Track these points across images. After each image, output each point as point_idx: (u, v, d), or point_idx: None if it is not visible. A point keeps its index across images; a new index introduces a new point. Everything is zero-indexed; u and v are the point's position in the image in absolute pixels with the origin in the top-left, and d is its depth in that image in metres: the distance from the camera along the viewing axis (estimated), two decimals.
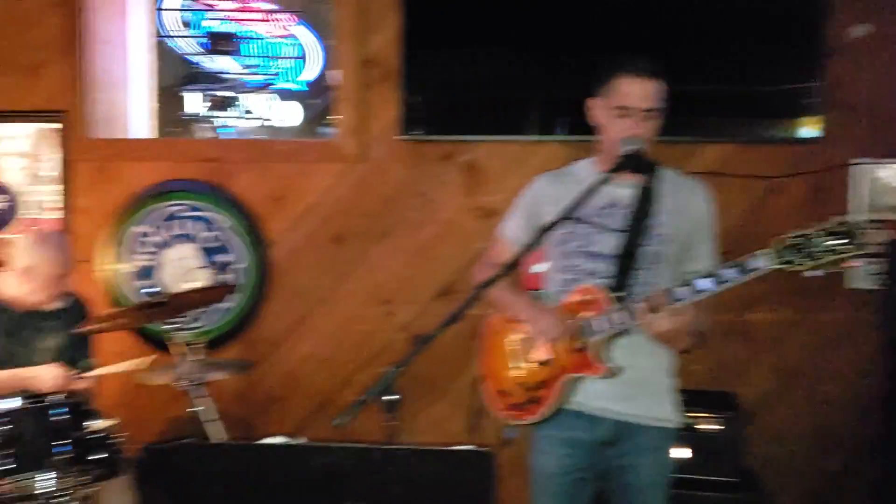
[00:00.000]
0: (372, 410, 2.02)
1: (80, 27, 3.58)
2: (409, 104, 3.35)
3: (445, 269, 3.49)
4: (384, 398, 2.01)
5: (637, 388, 2.20)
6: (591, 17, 3.30)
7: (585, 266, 2.23)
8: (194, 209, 3.60)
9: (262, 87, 3.85)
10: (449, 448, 1.60)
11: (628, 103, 2.15)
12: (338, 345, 3.56)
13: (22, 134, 3.69)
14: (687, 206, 2.26)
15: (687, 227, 2.25)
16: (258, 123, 3.88)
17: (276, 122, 3.86)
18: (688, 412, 2.38)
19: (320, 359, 3.57)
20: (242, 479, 1.68)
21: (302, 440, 1.90)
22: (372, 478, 1.69)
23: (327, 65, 3.78)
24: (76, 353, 3.01)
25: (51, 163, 3.67)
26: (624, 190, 2.21)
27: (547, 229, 2.08)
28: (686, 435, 2.62)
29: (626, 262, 2.17)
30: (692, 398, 2.46)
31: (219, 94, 3.87)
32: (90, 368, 3.05)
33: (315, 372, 3.58)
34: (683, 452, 2.82)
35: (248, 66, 3.85)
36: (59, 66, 3.60)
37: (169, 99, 3.95)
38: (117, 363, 2.96)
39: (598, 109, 2.25)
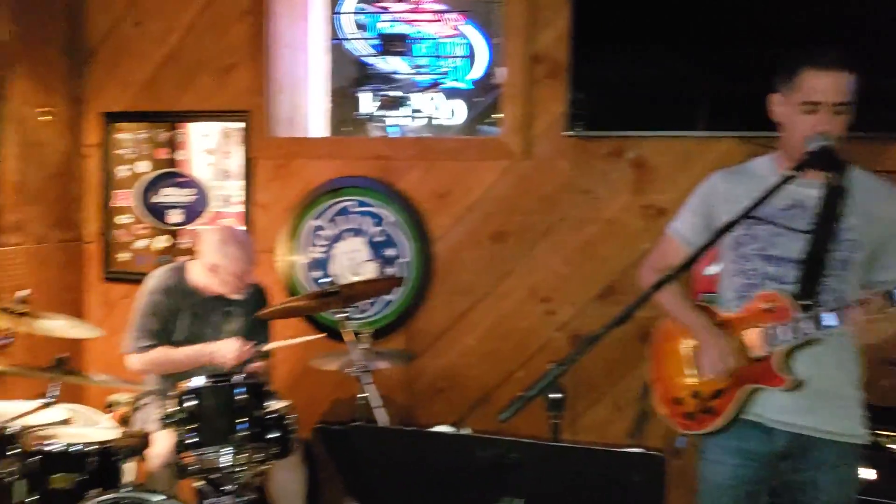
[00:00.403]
0: (534, 407, 2.03)
1: (267, 32, 3.82)
2: (576, 100, 3.31)
3: (608, 269, 3.43)
4: (549, 395, 2.01)
5: (820, 399, 2.06)
6: (768, 6, 3.13)
7: (765, 270, 2.11)
8: (364, 204, 3.75)
9: (430, 87, 3.95)
10: (620, 449, 1.56)
11: (817, 98, 2.02)
12: (498, 340, 3.59)
13: (211, 132, 4.00)
14: (880, 209, 2.09)
15: (879, 233, 2.08)
16: (425, 122, 3.99)
17: (441, 121, 3.95)
18: (875, 429, 2.21)
19: (480, 353, 3.62)
20: (411, 464, 1.73)
21: (467, 431, 1.92)
22: (537, 473, 1.68)
23: (492, 62, 3.82)
24: (256, 337, 3.23)
25: (235, 159, 3.96)
26: (810, 190, 2.08)
27: (725, 230, 1.98)
28: (872, 454, 2.42)
29: (814, 267, 2.04)
30: (881, 415, 2.28)
31: (389, 93, 4.01)
32: (268, 350, 3.28)
33: (475, 366, 3.62)
34: (868, 473, 2.61)
35: (417, 66, 3.97)
36: (246, 69, 3.86)
37: (342, 99, 4.14)
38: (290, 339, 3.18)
39: (781, 105, 2.12)
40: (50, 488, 2.64)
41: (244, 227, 3.83)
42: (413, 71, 3.97)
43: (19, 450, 2.65)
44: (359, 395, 2.89)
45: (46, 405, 2.54)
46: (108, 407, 3.82)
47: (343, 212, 3.77)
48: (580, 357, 2.11)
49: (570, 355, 2.02)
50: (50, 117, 3.91)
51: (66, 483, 2.65)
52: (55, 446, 2.67)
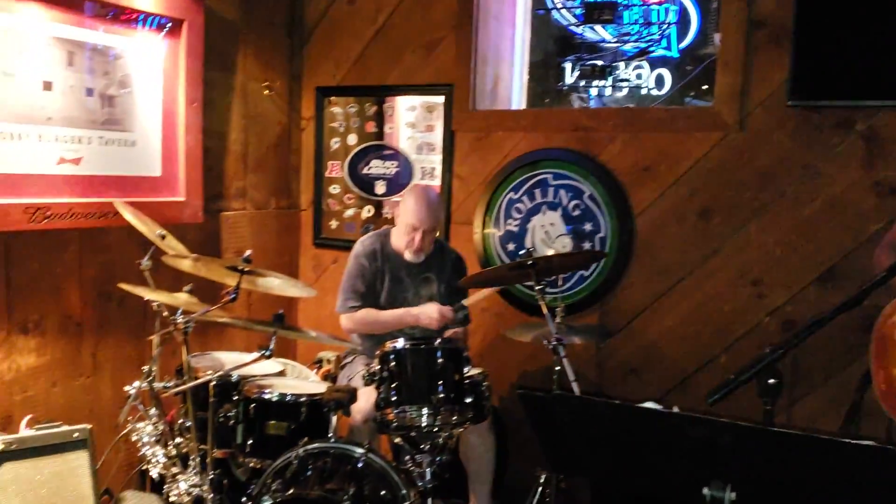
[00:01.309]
0: (738, 394, 1.90)
1: (475, 5, 3.85)
2: (800, 68, 3.04)
3: (829, 251, 3.14)
4: (763, 380, 1.87)
5: None
6: None
7: None
8: (562, 177, 3.70)
9: (636, 55, 3.80)
10: (852, 441, 1.42)
11: None
12: (699, 323, 3.42)
13: (415, 106, 4.12)
14: None
15: None
16: (628, 92, 3.85)
17: (646, 91, 3.79)
18: None
19: (681, 335, 3.46)
20: (615, 437, 1.68)
21: (674, 409, 1.84)
22: (750, 459, 1.57)
23: (703, 29, 3.61)
24: (453, 302, 3.30)
25: (437, 133, 4.04)
26: None
27: None
28: None
29: None
30: None
31: (591, 63, 3.91)
32: (465, 315, 3.34)
33: (674, 348, 3.48)
34: None
35: (622, 34, 3.83)
36: (451, 43, 3.92)
37: (542, 71, 4.10)
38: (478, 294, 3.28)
39: None
40: (266, 433, 2.86)
41: (432, 188, 3.90)
42: (618, 39, 3.84)
43: (240, 396, 2.89)
44: (555, 368, 2.86)
45: (264, 357, 2.74)
46: (315, 363, 4.09)
47: (540, 185, 3.75)
48: (801, 341, 1.96)
49: (791, 339, 1.88)
50: (270, 92, 4.20)
51: (279, 430, 2.86)
52: (272, 395, 2.89)
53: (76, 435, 2.96)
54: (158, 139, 3.58)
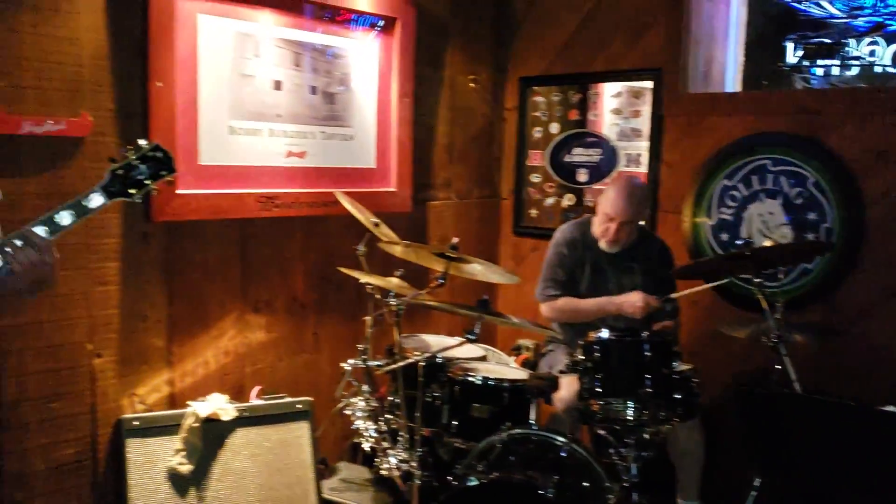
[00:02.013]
0: None
1: None
2: None
3: None
4: None
5: None
6: None
7: None
8: (782, 163, 3.45)
9: (869, 31, 3.46)
10: None
11: None
12: None
13: (620, 92, 4.03)
14: None
15: None
16: (860, 71, 3.51)
17: (882, 69, 3.44)
18: None
19: None
20: (849, 443, 1.54)
21: None
22: None
23: None
24: (658, 294, 3.19)
25: (644, 119, 3.92)
26: None
27: None
28: None
29: None
30: None
31: (817, 41, 3.61)
32: (674, 307, 3.23)
33: None
34: None
35: (853, 9, 3.50)
36: (661, 26, 3.79)
37: (760, 50, 3.84)
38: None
39: None
40: (469, 415, 2.94)
41: (639, 180, 3.78)
42: (849, 14, 3.51)
43: (446, 378, 2.99)
44: (774, 367, 2.68)
45: (469, 341, 2.81)
46: (514, 350, 4.14)
47: (758, 171, 3.52)
48: None
49: None
50: (475, 84, 4.29)
51: (482, 413, 2.92)
52: (476, 378, 2.96)
53: (299, 406, 3.21)
54: (373, 133, 3.78)
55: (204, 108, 3.13)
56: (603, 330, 2.81)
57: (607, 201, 3.23)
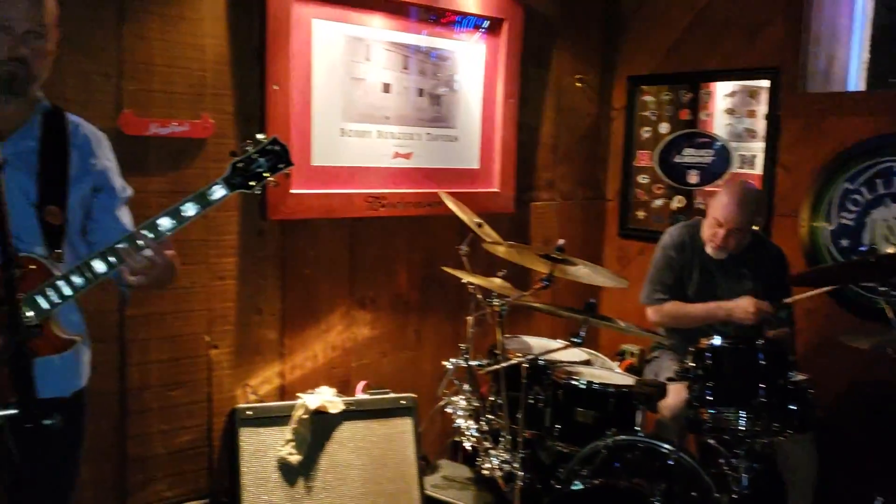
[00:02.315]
0: None
1: None
2: None
3: None
4: None
5: None
6: None
7: None
8: None
9: None
10: None
11: None
12: None
13: (733, 92, 3.89)
14: None
15: None
16: None
17: None
18: None
19: None
20: None
21: None
22: None
23: None
24: (772, 300, 3.07)
25: (758, 119, 3.78)
26: None
27: None
28: None
29: None
30: None
31: None
32: (788, 314, 3.10)
33: None
34: None
35: None
36: (778, 23, 3.65)
37: (888, 47, 3.64)
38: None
39: None
40: (573, 420, 2.91)
41: (753, 185, 3.64)
42: None
43: (549, 381, 2.97)
44: None
45: (574, 344, 2.78)
46: (618, 355, 4.07)
47: (883, 174, 3.33)
48: None
49: None
50: (582, 84, 4.24)
51: (586, 417, 2.89)
52: (580, 382, 2.93)
53: (403, 402, 3.26)
54: (478, 134, 3.80)
55: (317, 110, 3.22)
56: (715, 336, 2.73)
57: (718, 206, 3.13)
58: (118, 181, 2.05)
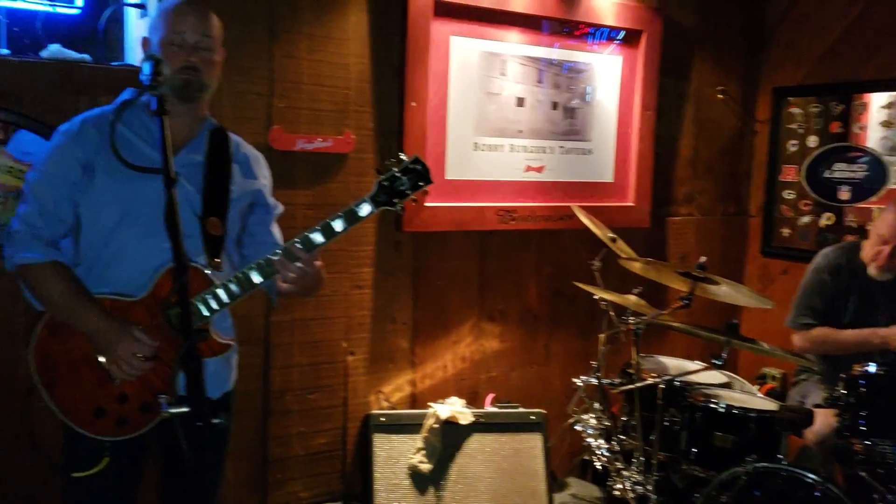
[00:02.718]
0: None
1: None
2: None
3: None
4: None
5: None
6: None
7: None
8: None
9: None
10: None
11: None
12: None
13: (892, 102, 3.65)
14: None
15: None
16: None
17: None
18: None
19: None
20: None
21: None
22: None
23: None
24: None
25: None
26: None
27: None
28: None
29: None
30: None
31: None
32: None
33: None
34: None
35: None
36: None
37: None
38: None
39: None
40: (711, 444, 2.80)
41: None
42: None
43: (686, 403, 2.87)
44: None
45: (714, 366, 2.68)
46: (758, 379, 3.89)
47: None
48: None
49: None
50: (724, 96, 4.10)
51: (725, 442, 2.77)
52: (719, 406, 2.81)
53: (533, 417, 3.25)
54: (612, 147, 3.75)
55: (452, 125, 3.28)
56: (870, 364, 2.56)
57: (883, 222, 2.94)
58: (271, 198, 2.19)
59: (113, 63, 2.71)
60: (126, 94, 1.98)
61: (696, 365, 3.13)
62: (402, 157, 1.96)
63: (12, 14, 2.61)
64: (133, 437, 1.91)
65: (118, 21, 2.78)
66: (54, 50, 2.59)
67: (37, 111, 2.50)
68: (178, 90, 1.90)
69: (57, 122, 2.09)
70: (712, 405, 2.82)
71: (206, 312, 1.87)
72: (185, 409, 1.23)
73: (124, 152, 1.61)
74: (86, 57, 2.63)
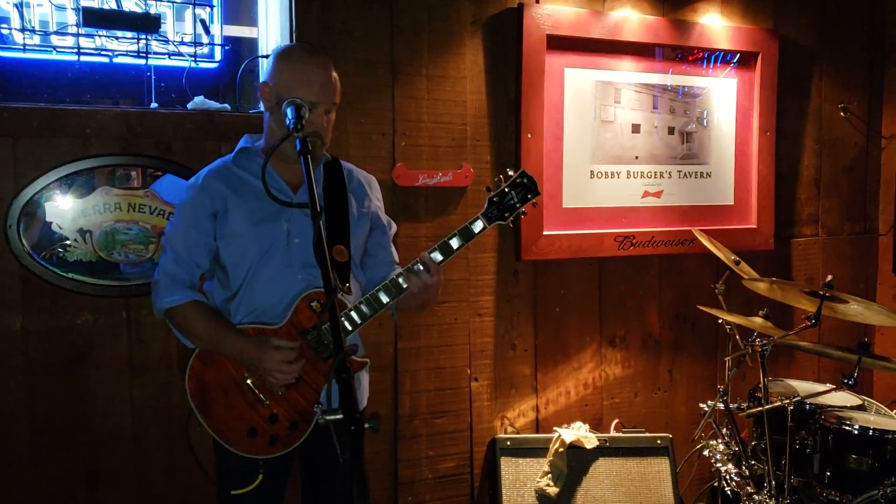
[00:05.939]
0: None
1: None
2: None
3: None
4: None
5: None
6: None
7: None
8: None
9: None
10: None
11: None
12: None
13: None
14: None
15: None
16: None
17: None
18: None
19: None
20: None
21: None
22: None
23: None
24: None
25: None
26: None
27: None
28: None
29: None
30: None
31: None
32: None
33: None
34: None
35: None
36: None
37: None
38: None
39: None
40: (845, 467, 2.71)
41: None
42: None
43: (818, 425, 2.80)
44: None
45: (846, 385, 2.61)
46: (895, 402, 3.70)
47: None
48: None
49: None
50: (846, 113, 3.99)
51: (860, 465, 2.68)
52: (853, 427, 2.73)
53: (659, 442, 3.24)
54: (731, 169, 3.72)
55: (568, 154, 3.37)
56: None
57: None
58: (385, 216, 2.33)
59: (250, 111, 2.96)
60: (242, 142, 2.19)
61: (824, 387, 3.04)
62: (510, 172, 2.07)
63: (159, 71, 2.89)
64: (284, 454, 2.08)
65: (253, 71, 3.04)
66: (199, 101, 2.86)
67: (183, 157, 2.77)
68: (306, 150, 2.08)
69: (201, 166, 2.29)
70: (846, 427, 2.73)
71: None
72: (339, 416, 1.36)
73: (248, 195, 1.79)
74: (226, 106, 2.89)
